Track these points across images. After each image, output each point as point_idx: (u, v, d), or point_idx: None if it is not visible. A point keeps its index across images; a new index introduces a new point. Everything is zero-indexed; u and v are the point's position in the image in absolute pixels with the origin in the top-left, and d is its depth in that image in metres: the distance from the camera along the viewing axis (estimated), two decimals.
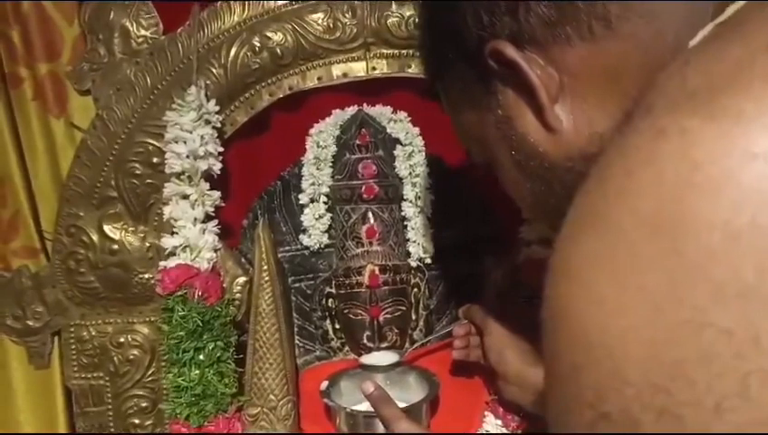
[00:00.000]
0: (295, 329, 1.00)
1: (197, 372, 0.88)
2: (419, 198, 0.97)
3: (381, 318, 0.96)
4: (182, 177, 0.92)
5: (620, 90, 0.45)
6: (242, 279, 0.96)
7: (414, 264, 0.97)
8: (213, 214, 0.94)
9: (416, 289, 0.98)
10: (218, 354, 0.89)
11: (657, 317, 0.31)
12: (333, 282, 0.97)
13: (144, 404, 1.04)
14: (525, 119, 0.49)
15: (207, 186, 0.93)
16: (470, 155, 0.59)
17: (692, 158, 0.31)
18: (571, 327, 0.34)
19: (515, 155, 0.51)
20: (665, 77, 0.37)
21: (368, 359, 0.95)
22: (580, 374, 0.33)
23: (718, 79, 0.33)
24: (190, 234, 0.91)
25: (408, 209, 0.97)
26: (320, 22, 0.94)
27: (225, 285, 0.94)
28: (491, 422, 0.93)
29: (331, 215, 0.97)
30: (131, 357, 1.02)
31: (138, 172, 0.97)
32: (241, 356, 0.93)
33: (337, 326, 0.98)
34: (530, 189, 0.53)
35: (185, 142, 0.90)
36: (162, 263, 0.91)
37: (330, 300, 0.98)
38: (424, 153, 0.99)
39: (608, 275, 0.33)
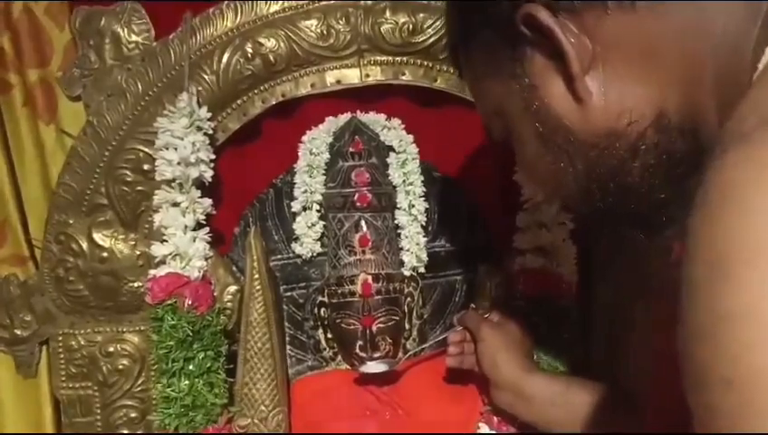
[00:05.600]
0: (287, 338, 0.99)
1: (187, 382, 0.87)
2: (413, 206, 0.96)
3: (374, 328, 0.94)
4: (173, 184, 0.91)
5: (657, 70, 0.43)
6: (233, 288, 0.95)
7: (407, 273, 0.96)
8: (204, 222, 0.93)
9: (409, 298, 0.96)
10: (208, 364, 0.88)
11: None
12: (326, 291, 0.96)
13: (133, 415, 1.02)
14: (553, 88, 0.47)
15: (198, 193, 0.92)
16: (489, 132, 0.57)
17: None
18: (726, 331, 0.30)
19: (539, 127, 0.49)
20: None
21: (362, 369, 0.94)
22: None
23: None
24: (180, 242, 0.90)
25: (402, 218, 0.96)
26: (313, 28, 0.94)
27: (215, 294, 0.93)
28: (485, 433, 0.92)
29: (323, 223, 0.96)
30: (121, 367, 1.01)
31: (128, 179, 0.96)
32: (231, 366, 0.92)
33: (329, 336, 0.97)
34: (550, 166, 0.51)
35: (176, 149, 0.90)
36: (152, 271, 0.90)
37: (322, 309, 0.96)
38: (418, 161, 0.98)
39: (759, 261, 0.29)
